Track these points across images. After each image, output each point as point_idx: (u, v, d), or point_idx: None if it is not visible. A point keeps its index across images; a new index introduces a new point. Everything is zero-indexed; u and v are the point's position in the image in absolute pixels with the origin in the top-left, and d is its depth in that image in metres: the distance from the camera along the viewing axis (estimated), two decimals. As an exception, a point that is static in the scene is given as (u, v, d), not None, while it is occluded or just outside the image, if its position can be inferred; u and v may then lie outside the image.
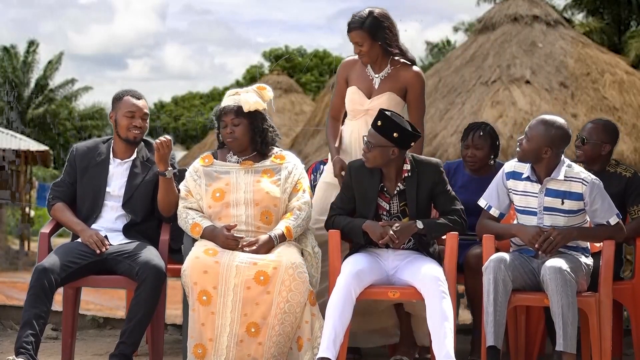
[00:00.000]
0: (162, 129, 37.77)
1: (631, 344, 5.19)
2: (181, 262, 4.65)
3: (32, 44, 34.97)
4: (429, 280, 4.42)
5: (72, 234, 4.91)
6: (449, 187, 4.70)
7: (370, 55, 5.05)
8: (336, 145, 5.15)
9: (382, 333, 5.16)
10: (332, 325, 4.34)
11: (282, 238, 4.63)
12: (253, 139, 4.79)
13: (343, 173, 4.93)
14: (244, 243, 4.58)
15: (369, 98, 5.09)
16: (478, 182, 5.15)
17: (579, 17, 20.33)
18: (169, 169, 4.77)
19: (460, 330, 5.23)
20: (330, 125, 5.25)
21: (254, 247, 4.55)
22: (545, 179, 4.54)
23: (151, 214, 4.90)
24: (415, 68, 5.12)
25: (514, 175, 4.63)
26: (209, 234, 4.63)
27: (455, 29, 28.77)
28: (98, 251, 4.67)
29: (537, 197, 4.56)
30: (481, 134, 5.30)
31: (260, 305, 4.43)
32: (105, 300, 12.69)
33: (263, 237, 4.61)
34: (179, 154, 23.44)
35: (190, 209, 4.75)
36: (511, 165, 4.66)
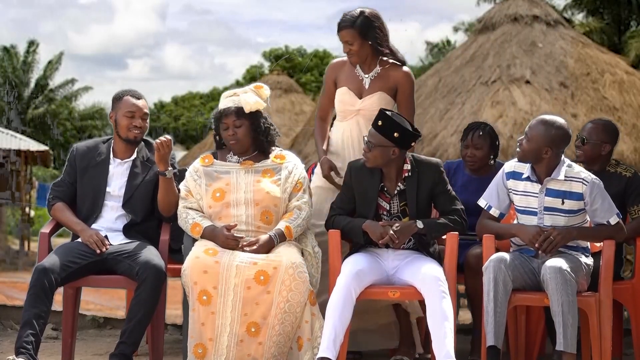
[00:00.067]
0: (162, 129, 37.77)
1: (631, 344, 5.19)
2: (181, 262, 4.65)
3: (32, 44, 34.98)
4: (429, 280, 4.42)
5: (72, 234, 4.91)
6: (449, 187, 4.71)
7: (360, 55, 5.07)
8: (324, 147, 5.17)
9: (381, 334, 5.16)
10: (332, 325, 4.34)
11: (282, 238, 4.63)
12: (256, 138, 4.79)
13: (332, 173, 4.96)
14: (244, 243, 4.58)
15: (360, 98, 5.11)
16: (478, 182, 5.15)
17: (579, 17, 20.35)
18: (169, 168, 4.77)
19: (460, 330, 5.23)
20: (318, 126, 5.28)
21: (254, 247, 4.55)
22: (545, 179, 4.54)
23: (151, 214, 4.90)
24: (404, 68, 5.15)
25: (514, 176, 4.63)
26: (209, 234, 4.63)
27: (455, 29, 28.80)
28: (98, 251, 4.67)
29: (537, 197, 4.56)
30: (480, 133, 5.30)
31: (260, 305, 4.43)
32: (105, 300, 12.68)
33: (263, 237, 4.61)
34: (179, 154, 23.44)
35: (190, 209, 4.75)
36: (511, 165, 4.66)
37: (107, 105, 10.48)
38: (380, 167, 4.63)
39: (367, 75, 5.14)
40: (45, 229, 4.84)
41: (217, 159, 4.84)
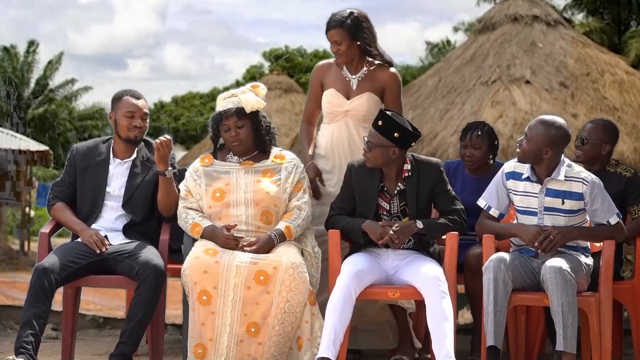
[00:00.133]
0: (166, 128, 37.77)
1: (631, 344, 5.18)
2: (181, 262, 4.65)
3: (32, 44, 34.95)
4: (429, 280, 4.42)
5: (72, 234, 4.91)
6: (449, 187, 4.70)
7: (348, 55, 5.09)
8: (310, 152, 5.17)
9: (380, 335, 5.16)
10: (332, 325, 4.34)
11: (282, 238, 4.63)
12: (258, 138, 4.79)
13: (317, 179, 4.98)
14: (244, 243, 4.58)
15: (348, 99, 5.12)
16: (478, 182, 5.15)
17: (579, 17, 20.35)
18: (169, 168, 4.78)
19: (460, 330, 5.23)
20: (305, 130, 5.29)
21: (254, 247, 4.55)
22: (545, 179, 4.54)
23: (151, 214, 4.90)
24: (392, 69, 5.17)
25: (514, 176, 4.62)
26: (209, 234, 4.63)
27: (455, 29, 28.79)
28: (98, 251, 4.67)
29: (537, 197, 4.56)
30: (479, 133, 5.30)
31: (260, 305, 4.43)
32: (105, 300, 12.69)
33: (263, 237, 4.61)
34: (179, 154, 23.44)
35: (190, 209, 4.75)
36: (511, 165, 4.65)
37: (107, 105, 10.48)
38: (380, 167, 4.63)
39: (354, 77, 5.15)
40: (45, 229, 4.84)
41: (217, 159, 4.84)
